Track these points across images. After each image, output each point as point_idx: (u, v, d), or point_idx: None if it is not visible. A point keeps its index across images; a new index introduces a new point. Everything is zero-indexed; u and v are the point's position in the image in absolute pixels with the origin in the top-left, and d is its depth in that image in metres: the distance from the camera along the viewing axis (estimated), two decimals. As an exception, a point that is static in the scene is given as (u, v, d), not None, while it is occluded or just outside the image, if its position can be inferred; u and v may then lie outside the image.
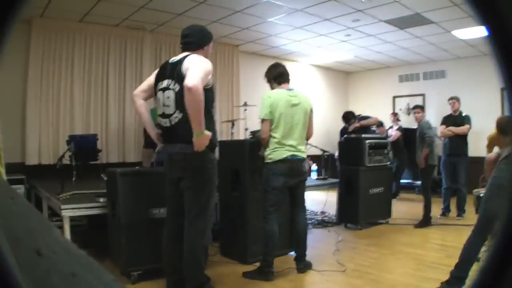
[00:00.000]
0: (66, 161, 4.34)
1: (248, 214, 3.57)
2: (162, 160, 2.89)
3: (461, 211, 5.56)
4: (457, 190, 5.59)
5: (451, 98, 5.76)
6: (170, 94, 2.53)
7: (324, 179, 5.59)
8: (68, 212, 3.14)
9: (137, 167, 4.81)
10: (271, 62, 9.69)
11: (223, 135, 7.40)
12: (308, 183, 5.46)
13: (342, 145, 5.49)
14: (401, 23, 6.12)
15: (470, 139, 5.70)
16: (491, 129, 7.47)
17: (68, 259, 0.40)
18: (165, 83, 2.59)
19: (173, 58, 2.69)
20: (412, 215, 5.73)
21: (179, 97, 2.46)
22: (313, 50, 7.99)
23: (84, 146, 5.06)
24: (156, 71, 2.77)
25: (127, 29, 6.39)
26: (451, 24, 6.05)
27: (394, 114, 8.34)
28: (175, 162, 2.60)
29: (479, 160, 7.09)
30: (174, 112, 2.51)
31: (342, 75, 10.48)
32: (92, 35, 6.09)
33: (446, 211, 5.69)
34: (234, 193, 3.68)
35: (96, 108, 6.14)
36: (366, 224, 5.03)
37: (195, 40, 2.69)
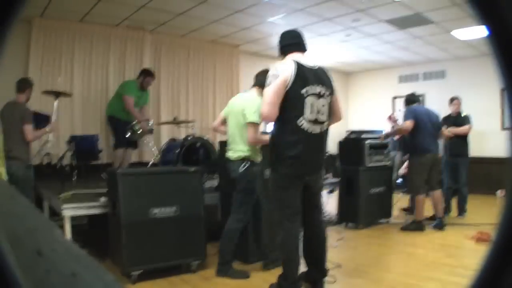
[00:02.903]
0: (66, 161, 4.35)
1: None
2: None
3: (461, 211, 5.57)
4: (458, 190, 5.60)
5: (456, 99, 5.73)
6: (325, 103, 2.65)
7: (324, 179, 5.58)
8: (68, 211, 3.14)
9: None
10: (272, 62, 9.70)
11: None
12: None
13: (342, 145, 5.49)
14: (401, 23, 6.12)
15: (470, 139, 5.70)
16: (491, 129, 7.52)
17: (68, 259, 0.40)
18: (317, 89, 2.62)
19: (307, 63, 2.65)
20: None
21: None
22: (313, 50, 7.99)
23: (84, 146, 5.07)
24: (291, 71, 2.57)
25: (127, 29, 6.39)
26: (451, 24, 6.05)
27: (390, 117, 7.71)
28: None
29: (480, 160, 7.12)
30: (326, 121, 2.70)
31: (342, 75, 10.48)
32: (92, 35, 6.09)
33: (446, 211, 5.70)
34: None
35: (96, 108, 6.14)
36: (366, 223, 5.03)
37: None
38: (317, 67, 2.70)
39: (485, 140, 7.55)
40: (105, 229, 3.48)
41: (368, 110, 9.96)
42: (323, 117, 2.63)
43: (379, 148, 5.25)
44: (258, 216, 3.57)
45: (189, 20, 6.08)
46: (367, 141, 5.08)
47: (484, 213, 5.61)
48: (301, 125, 2.56)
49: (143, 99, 5.55)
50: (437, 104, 8.37)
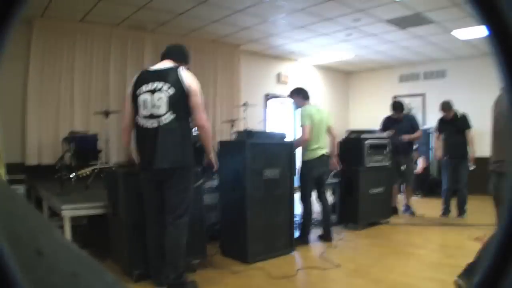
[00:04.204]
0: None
1: (248, 214, 3.57)
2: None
3: (461, 211, 5.57)
4: (458, 190, 5.60)
5: (443, 108, 5.65)
6: (162, 96, 2.69)
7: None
8: (68, 212, 3.14)
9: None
10: (272, 62, 9.70)
11: (223, 135, 7.41)
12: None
13: (342, 145, 5.49)
14: (402, 22, 6.12)
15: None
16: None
17: (68, 259, 0.40)
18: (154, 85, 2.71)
19: (156, 67, 2.85)
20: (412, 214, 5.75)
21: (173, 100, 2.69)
22: (313, 49, 7.99)
23: (84, 146, 5.07)
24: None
25: (127, 29, 6.39)
26: (452, 24, 6.05)
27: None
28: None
29: (480, 160, 7.09)
30: (166, 113, 2.67)
31: (342, 75, 10.48)
32: (92, 35, 6.09)
33: (446, 211, 5.70)
34: (234, 193, 3.68)
35: (96, 108, 6.14)
36: (366, 224, 5.03)
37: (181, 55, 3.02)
38: (162, 69, 2.81)
39: (485, 140, 7.51)
40: (105, 229, 3.48)
41: (368, 110, 9.96)
42: (159, 111, 2.69)
43: (379, 148, 5.24)
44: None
45: (189, 20, 6.08)
46: (367, 141, 5.07)
47: (484, 213, 5.60)
48: (138, 123, 2.78)
49: None
50: (437, 104, 8.37)
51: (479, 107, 7.47)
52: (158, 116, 2.65)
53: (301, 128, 4.28)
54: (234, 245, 3.72)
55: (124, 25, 6.26)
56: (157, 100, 2.66)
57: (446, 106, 5.61)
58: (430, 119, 8.68)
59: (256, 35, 7.00)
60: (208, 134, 2.87)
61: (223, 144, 4.14)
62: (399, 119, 5.81)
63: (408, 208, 5.92)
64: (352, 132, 6.59)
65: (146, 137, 2.70)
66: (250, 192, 3.58)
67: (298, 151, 4.35)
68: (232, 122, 6.47)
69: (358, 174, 4.93)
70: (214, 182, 4.28)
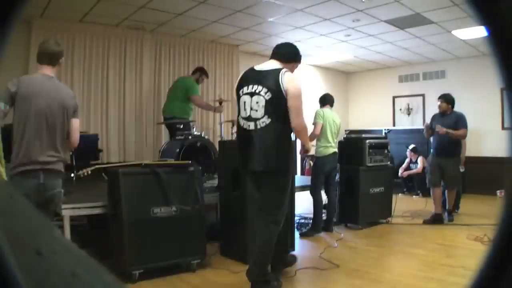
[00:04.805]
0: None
1: (248, 214, 3.56)
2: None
3: (455, 207, 5.71)
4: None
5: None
6: (260, 99, 2.77)
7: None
8: (68, 211, 3.14)
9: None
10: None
11: (223, 135, 7.40)
12: (308, 183, 5.47)
13: (342, 145, 5.49)
14: (401, 23, 6.12)
15: (469, 139, 5.69)
16: (491, 129, 7.52)
17: (68, 259, 0.40)
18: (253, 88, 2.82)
19: (259, 67, 2.93)
20: (412, 214, 5.74)
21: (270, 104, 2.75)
22: (313, 50, 7.99)
23: (84, 146, 5.06)
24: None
25: (127, 29, 6.39)
26: (451, 24, 6.05)
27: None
28: None
29: (480, 160, 7.12)
30: (263, 117, 2.76)
31: (342, 75, 10.48)
32: (92, 35, 6.09)
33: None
34: (234, 193, 3.67)
35: (96, 108, 6.14)
36: (366, 223, 5.03)
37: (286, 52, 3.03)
38: (265, 70, 2.88)
39: (485, 140, 7.55)
40: (105, 229, 3.48)
41: (368, 110, 9.96)
42: (257, 114, 2.78)
43: (379, 148, 5.25)
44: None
45: (189, 20, 6.08)
46: (367, 141, 5.08)
47: (483, 213, 5.62)
48: (239, 122, 2.91)
49: None
50: (436, 104, 8.38)
51: (479, 107, 7.49)
52: (256, 119, 2.77)
53: (313, 126, 4.82)
54: (234, 245, 3.71)
55: (123, 25, 6.26)
56: (255, 103, 2.77)
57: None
58: (429, 120, 8.68)
59: (256, 36, 7.00)
60: (302, 136, 2.95)
61: (223, 144, 4.14)
62: (446, 113, 5.33)
63: (450, 214, 5.39)
64: (351, 132, 6.58)
65: (244, 137, 2.86)
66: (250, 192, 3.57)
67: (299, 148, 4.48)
68: (232, 122, 6.46)
69: (358, 173, 4.93)
70: (214, 182, 4.28)
